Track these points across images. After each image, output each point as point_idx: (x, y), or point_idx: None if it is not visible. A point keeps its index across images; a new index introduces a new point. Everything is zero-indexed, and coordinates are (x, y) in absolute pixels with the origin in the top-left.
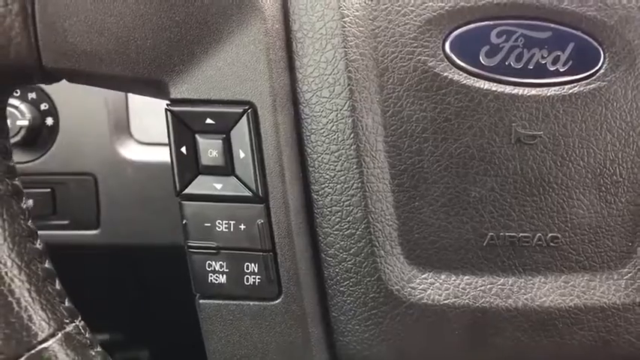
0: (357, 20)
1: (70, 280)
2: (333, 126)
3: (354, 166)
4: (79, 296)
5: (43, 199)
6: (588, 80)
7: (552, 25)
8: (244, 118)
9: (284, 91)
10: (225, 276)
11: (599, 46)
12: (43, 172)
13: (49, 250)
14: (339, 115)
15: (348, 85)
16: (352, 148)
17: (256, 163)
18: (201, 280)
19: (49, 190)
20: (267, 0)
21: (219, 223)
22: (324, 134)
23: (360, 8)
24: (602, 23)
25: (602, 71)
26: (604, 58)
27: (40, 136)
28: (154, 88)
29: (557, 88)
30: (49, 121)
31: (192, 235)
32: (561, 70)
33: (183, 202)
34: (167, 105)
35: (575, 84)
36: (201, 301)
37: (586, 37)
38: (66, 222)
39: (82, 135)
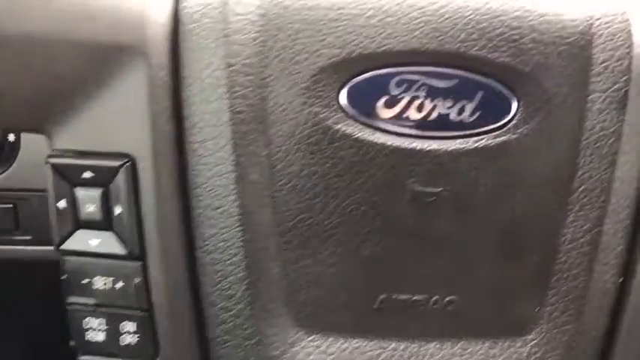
0: (245, 69)
1: (37, 293)
2: (216, 180)
3: (237, 224)
4: (50, 308)
5: (5, 214)
6: (497, 132)
7: (459, 73)
8: (122, 171)
9: (168, 143)
10: (103, 334)
11: (512, 95)
12: (5, 188)
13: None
14: (222, 169)
15: (232, 138)
16: (235, 204)
17: (133, 219)
18: (80, 337)
19: (11, 205)
20: (154, 45)
21: (97, 279)
22: (207, 189)
23: (251, 55)
24: (516, 70)
25: (513, 122)
26: (517, 107)
27: (2, 152)
28: (42, 134)
29: (461, 141)
30: (11, 137)
31: (71, 290)
32: (467, 121)
33: (63, 256)
34: (47, 156)
35: (482, 136)
36: (81, 357)
37: (497, 84)
38: (28, 237)
39: (42, 152)
